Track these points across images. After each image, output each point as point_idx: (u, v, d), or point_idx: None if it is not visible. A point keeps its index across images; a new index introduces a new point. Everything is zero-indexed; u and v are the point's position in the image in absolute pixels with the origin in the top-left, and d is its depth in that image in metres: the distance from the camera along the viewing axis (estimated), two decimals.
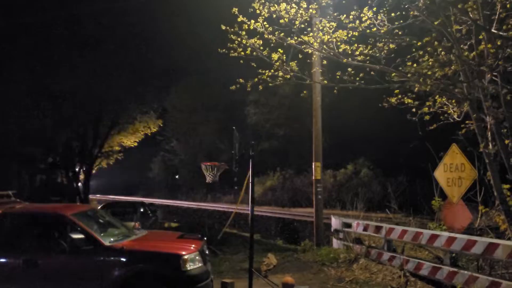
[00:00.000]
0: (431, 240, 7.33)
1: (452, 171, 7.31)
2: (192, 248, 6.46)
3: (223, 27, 6.97)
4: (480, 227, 7.20)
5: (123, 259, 5.98)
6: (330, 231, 11.10)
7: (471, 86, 5.51)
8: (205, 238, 7.50)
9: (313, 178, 12.19)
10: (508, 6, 5.33)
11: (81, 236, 6.01)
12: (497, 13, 5.66)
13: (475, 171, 7.02)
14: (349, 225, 10.18)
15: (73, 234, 6.07)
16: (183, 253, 6.18)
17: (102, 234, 6.36)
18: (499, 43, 5.27)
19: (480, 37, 5.54)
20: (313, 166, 12.20)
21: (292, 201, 29.91)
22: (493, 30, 5.38)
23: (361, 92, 7.02)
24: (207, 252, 7.12)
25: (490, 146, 5.40)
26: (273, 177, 34.27)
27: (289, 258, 10.55)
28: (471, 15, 5.24)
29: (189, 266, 6.15)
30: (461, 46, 5.80)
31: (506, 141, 5.39)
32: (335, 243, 10.63)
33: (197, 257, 6.38)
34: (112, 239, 6.29)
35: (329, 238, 11.22)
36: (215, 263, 9.96)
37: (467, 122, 6.13)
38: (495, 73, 5.40)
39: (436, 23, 5.66)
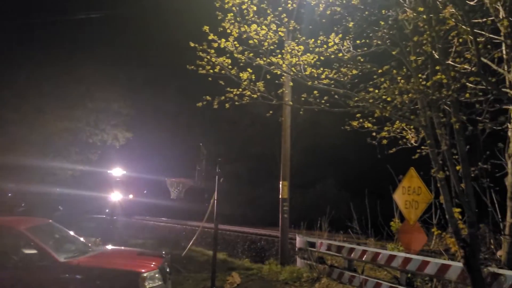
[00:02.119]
0: (389, 260, 7.53)
1: (409, 194, 7.58)
2: (152, 265, 6.41)
3: (192, 44, 7.06)
4: (434, 250, 7.45)
5: (79, 276, 5.87)
6: (295, 250, 11.20)
7: (426, 114, 5.76)
8: (167, 256, 7.46)
9: (280, 197, 12.32)
10: (460, 40, 5.67)
11: (34, 251, 5.85)
12: (454, 46, 6.02)
13: (431, 194, 7.30)
14: (313, 245, 10.32)
15: (26, 249, 5.90)
16: (142, 270, 6.12)
17: (57, 250, 6.21)
18: (452, 74, 5.56)
19: (437, 68, 5.82)
20: (280, 185, 12.35)
21: (262, 220, 29.84)
22: (448, 62, 5.68)
23: (331, 114, 7.21)
24: (168, 270, 7.07)
25: (441, 172, 5.63)
26: (244, 194, 34.19)
27: (253, 277, 10.57)
28: (425, 48, 5.52)
29: (148, 284, 6.08)
30: (419, 75, 6.09)
31: (457, 167, 5.64)
32: (299, 262, 10.73)
33: (157, 275, 6.32)
34: (67, 255, 6.16)
35: (294, 257, 11.31)
36: (178, 281, 9.86)
37: (422, 147, 6.39)
38: (448, 103, 5.69)
39: (394, 52, 5.93)
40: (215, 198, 8.64)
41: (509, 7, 5.60)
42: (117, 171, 23.37)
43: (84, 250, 6.78)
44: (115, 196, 23.37)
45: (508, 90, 6.14)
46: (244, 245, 18.04)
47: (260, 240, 18.13)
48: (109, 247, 7.98)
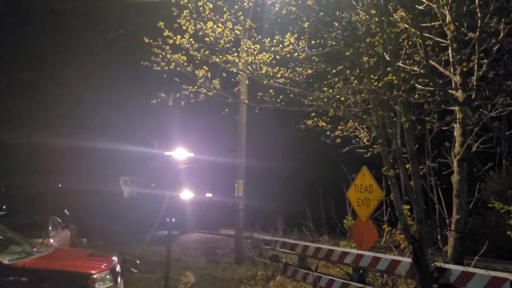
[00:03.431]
0: (342, 257, 7.68)
1: (362, 192, 7.78)
2: (103, 266, 6.20)
3: (147, 40, 6.89)
4: (384, 246, 7.69)
5: (25, 279, 5.58)
6: (250, 249, 11.23)
7: (377, 114, 5.92)
8: (119, 256, 7.26)
9: (236, 195, 12.31)
10: (410, 43, 5.87)
11: None
12: (404, 48, 6.22)
13: (382, 192, 7.53)
14: (268, 243, 10.37)
15: None
16: (93, 272, 5.92)
17: (1, 252, 5.89)
18: (402, 76, 5.75)
19: (388, 69, 5.99)
20: (236, 184, 12.33)
21: (218, 219, 29.62)
22: (399, 64, 5.87)
23: (287, 113, 7.28)
24: (119, 271, 6.87)
25: (392, 170, 5.82)
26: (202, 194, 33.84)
27: (207, 276, 10.47)
28: (377, 49, 5.67)
29: (99, 286, 5.89)
30: (371, 76, 6.24)
31: (407, 166, 5.84)
32: (254, 260, 10.75)
33: (108, 276, 6.13)
34: (12, 257, 5.86)
35: (249, 255, 11.32)
36: (131, 282, 9.59)
37: (374, 146, 6.57)
38: (399, 103, 5.88)
39: (348, 53, 6.05)
40: (170, 196, 8.51)
41: (456, 12, 5.86)
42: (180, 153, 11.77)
43: (31, 251, 6.46)
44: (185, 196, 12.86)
45: (454, 92, 6.42)
46: (200, 244, 17.87)
47: (216, 239, 18.04)
48: (58, 248, 7.66)
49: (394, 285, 7.23)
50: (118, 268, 6.79)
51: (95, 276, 5.87)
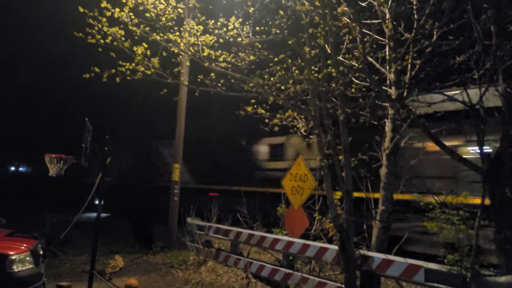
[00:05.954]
0: (273, 244, 7.84)
1: (296, 181, 7.94)
2: (22, 247, 5.86)
3: (82, 9, 6.46)
4: (314, 234, 7.92)
5: None
6: (184, 234, 11.12)
7: (315, 105, 6.03)
8: (41, 237, 6.88)
9: (172, 179, 12.11)
10: (350, 38, 6.03)
11: None
12: (344, 43, 6.37)
13: (315, 182, 7.74)
14: (202, 228, 10.33)
15: None
16: (11, 253, 5.58)
17: None
18: (341, 69, 5.89)
19: (328, 61, 6.10)
20: (173, 168, 12.12)
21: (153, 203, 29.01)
22: (339, 58, 6.00)
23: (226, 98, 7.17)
24: (41, 253, 6.52)
25: (325, 160, 5.98)
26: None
27: (137, 260, 10.27)
28: (318, 41, 5.76)
29: (17, 268, 5.57)
30: (312, 67, 6.33)
31: (340, 157, 6.03)
32: (188, 245, 10.68)
33: (27, 258, 5.81)
34: None
35: (182, 240, 11.20)
36: (54, 265, 9.19)
37: (310, 136, 6.71)
38: (336, 95, 6.04)
39: (290, 42, 6.09)
40: (101, 178, 8.14)
41: (394, 11, 6.08)
42: None
43: None
44: None
45: (387, 89, 6.70)
46: (132, 227, 17.44)
47: (149, 223, 17.68)
48: None
49: (321, 271, 7.50)
50: (40, 249, 6.44)
51: (13, 258, 5.55)
